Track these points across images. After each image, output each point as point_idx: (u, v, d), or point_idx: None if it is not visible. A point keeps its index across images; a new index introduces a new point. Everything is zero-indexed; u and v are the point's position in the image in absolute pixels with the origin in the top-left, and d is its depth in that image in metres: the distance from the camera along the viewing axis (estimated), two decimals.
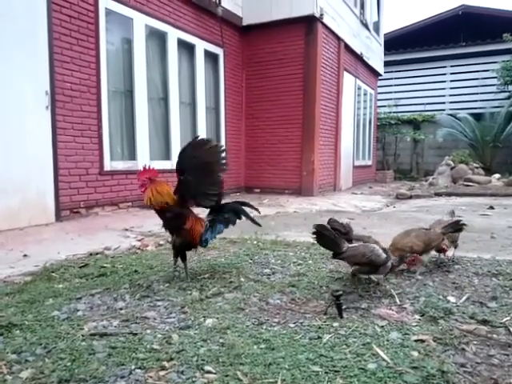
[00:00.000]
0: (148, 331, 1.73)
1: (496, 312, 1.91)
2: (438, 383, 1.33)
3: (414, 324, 1.78)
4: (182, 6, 6.42)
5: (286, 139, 7.79)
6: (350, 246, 2.18)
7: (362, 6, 9.93)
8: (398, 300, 2.07)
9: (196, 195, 2.34)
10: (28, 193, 4.22)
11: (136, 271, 2.59)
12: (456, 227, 2.65)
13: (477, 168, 10.95)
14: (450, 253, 2.77)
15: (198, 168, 2.23)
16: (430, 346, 1.57)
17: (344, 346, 1.57)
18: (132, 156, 5.67)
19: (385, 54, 12.67)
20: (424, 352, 1.52)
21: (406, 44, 14.64)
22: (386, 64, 13.05)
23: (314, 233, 2.11)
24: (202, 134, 7.00)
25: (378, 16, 11.60)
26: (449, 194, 8.23)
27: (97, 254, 3.11)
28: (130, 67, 5.58)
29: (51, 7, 4.41)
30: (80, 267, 2.72)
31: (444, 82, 14.54)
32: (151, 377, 1.38)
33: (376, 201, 7.27)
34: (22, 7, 4.12)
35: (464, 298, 2.10)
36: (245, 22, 7.75)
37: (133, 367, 1.43)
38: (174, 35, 6.27)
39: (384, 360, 1.46)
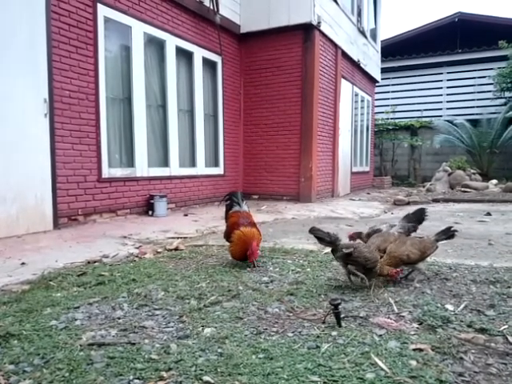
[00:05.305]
0: (146, 341, 1.72)
1: (494, 320, 1.92)
2: None
3: (413, 333, 1.78)
4: (181, 13, 6.46)
5: (284, 145, 7.82)
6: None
7: (359, 14, 10.01)
8: (396, 308, 2.07)
9: None
10: (26, 200, 4.22)
11: (134, 280, 2.59)
12: (448, 234, 2.66)
13: (474, 174, 11.00)
14: None
15: None
16: (428, 355, 1.57)
17: (342, 356, 1.57)
18: (130, 163, 5.67)
19: (382, 61, 12.75)
20: (422, 361, 1.52)
21: (403, 51, 14.76)
22: (383, 71, 13.14)
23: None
24: (201, 140, 7.03)
25: (375, 23, 11.68)
26: (446, 200, 8.25)
27: (95, 262, 3.11)
28: (128, 75, 5.60)
29: (50, 16, 4.44)
30: (78, 275, 2.71)
31: (441, 88, 14.63)
32: None
33: (374, 207, 7.28)
34: (21, 15, 4.15)
35: (462, 306, 2.10)
36: (243, 30, 7.80)
37: (131, 377, 1.43)
38: (172, 43, 6.30)
39: (382, 369, 1.46)
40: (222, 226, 3.24)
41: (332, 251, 2.42)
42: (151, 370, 1.48)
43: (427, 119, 14.08)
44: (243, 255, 2.88)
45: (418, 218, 3.07)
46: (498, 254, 3.35)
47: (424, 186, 11.05)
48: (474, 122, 12.79)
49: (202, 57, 7.01)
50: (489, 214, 5.90)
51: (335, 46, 8.46)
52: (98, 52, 5.05)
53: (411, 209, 7.12)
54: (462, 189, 9.85)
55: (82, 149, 4.89)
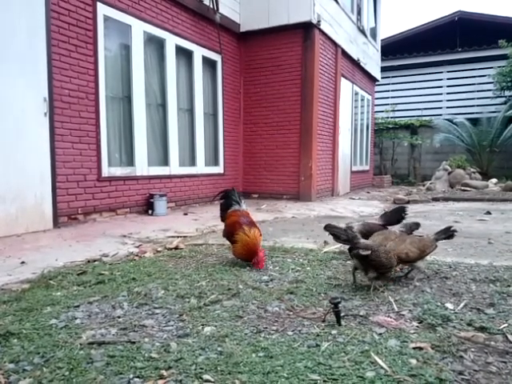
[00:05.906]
0: (146, 339, 1.72)
1: (494, 319, 1.92)
2: None
3: (412, 331, 1.78)
4: (181, 12, 6.45)
5: (284, 144, 7.82)
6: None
7: (359, 12, 10.00)
8: (395, 307, 2.07)
9: None
10: (26, 199, 4.22)
11: (134, 278, 2.59)
12: (448, 234, 2.66)
13: (474, 173, 11.00)
14: None
15: None
16: (428, 354, 1.57)
17: (342, 354, 1.57)
18: (130, 162, 5.67)
19: (382, 60, 12.74)
20: (422, 360, 1.52)
21: (403, 49, 14.75)
22: (383, 69, 13.13)
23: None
24: (200, 139, 7.03)
25: (375, 22, 11.68)
26: (446, 199, 8.25)
27: (95, 260, 3.11)
28: (128, 73, 5.59)
29: (50, 15, 4.43)
30: (78, 274, 2.71)
31: (441, 87, 14.63)
32: None
33: (374, 206, 7.28)
34: (20, 15, 4.14)
35: (462, 304, 2.10)
36: (243, 29, 7.80)
37: (131, 376, 1.43)
38: (172, 42, 6.29)
39: (382, 368, 1.46)
40: (222, 225, 3.24)
41: (349, 249, 2.38)
42: (151, 368, 1.48)
43: (427, 118, 14.08)
44: (247, 258, 2.88)
45: (397, 217, 2.97)
46: (498, 252, 3.35)
47: (424, 185, 11.04)
48: (474, 121, 12.79)
49: (202, 56, 7.01)
50: (489, 212, 5.90)
51: (335, 44, 8.45)
52: (98, 51, 5.04)
53: (411, 208, 7.14)
54: (462, 188, 9.86)
55: (81, 148, 4.89)
